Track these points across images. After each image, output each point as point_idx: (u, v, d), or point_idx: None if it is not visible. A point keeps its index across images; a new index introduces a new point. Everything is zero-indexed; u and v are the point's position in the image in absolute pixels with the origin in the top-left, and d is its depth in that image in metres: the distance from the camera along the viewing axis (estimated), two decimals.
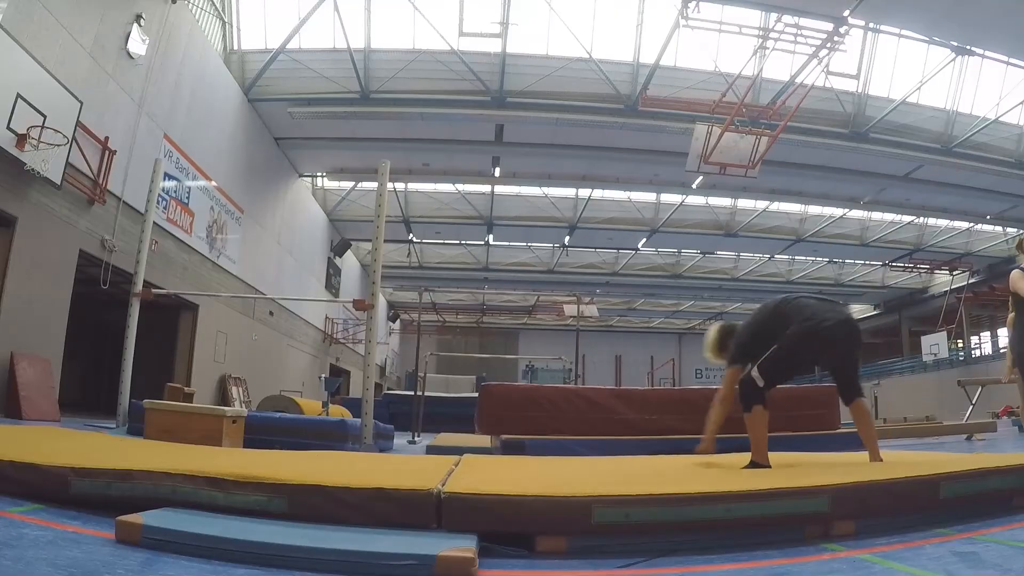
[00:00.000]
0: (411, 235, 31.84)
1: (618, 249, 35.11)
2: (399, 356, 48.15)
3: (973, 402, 17.04)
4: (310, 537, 2.61)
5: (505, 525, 2.81)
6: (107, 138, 13.15)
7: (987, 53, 19.76)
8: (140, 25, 13.89)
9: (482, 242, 33.68)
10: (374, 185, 12.38)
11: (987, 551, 2.64)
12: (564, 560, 2.70)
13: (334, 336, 30.91)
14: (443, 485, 3.01)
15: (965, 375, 27.96)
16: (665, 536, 2.88)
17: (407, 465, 4.39)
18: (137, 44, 13.90)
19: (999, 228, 31.79)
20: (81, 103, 11.71)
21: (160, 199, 15.13)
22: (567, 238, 32.47)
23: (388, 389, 35.42)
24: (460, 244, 34.88)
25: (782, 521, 3.00)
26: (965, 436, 13.89)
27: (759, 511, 2.94)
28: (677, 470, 4.31)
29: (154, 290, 11.44)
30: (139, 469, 3.26)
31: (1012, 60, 19.77)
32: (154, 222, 13.22)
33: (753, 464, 4.65)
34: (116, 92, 13.56)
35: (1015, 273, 6.98)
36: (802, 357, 4.97)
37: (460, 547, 2.43)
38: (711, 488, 3.02)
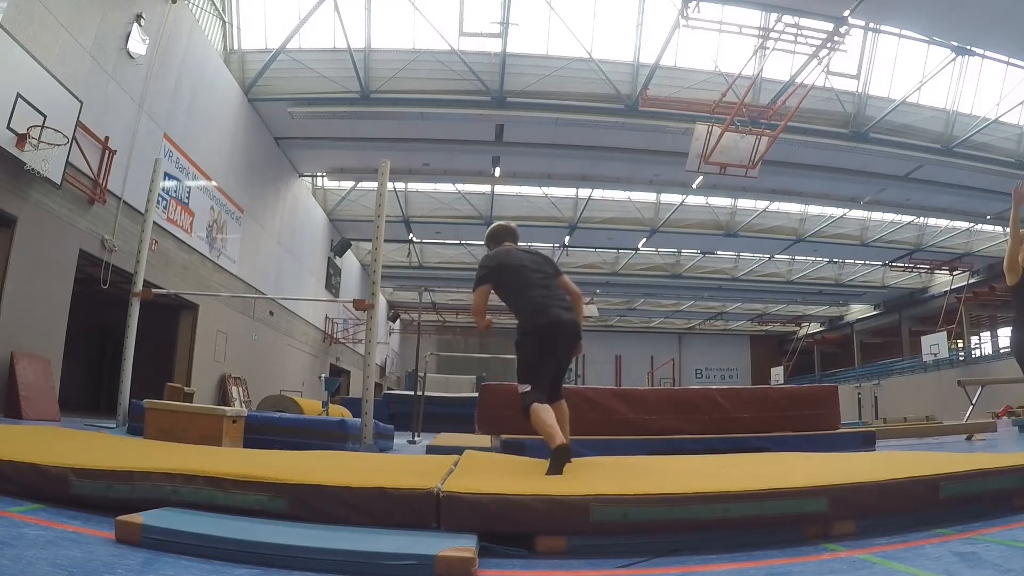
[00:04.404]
0: (411, 235, 31.82)
1: (618, 249, 35.08)
2: (399, 356, 48.13)
3: (973, 402, 17.08)
4: (310, 537, 2.62)
5: (504, 525, 2.81)
6: (107, 138, 13.13)
7: (987, 53, 19.74)
8: (140, 25, 13.88)
9: (482, 242, 33.53)
10: (374, 185, 12.35)
11: (987, 551, 2.64)
12: (564, 560, 2.70)
13: (334, 336, 30.88)
14: (442, 485, 3.01)
15: (965, 375, 27.99)
16: (665, 536, 2.88)
17: (407, 465, 4.39)
18: (137, 44, 13.88)
19: (999, 228, 31.74)
20: (81, 103, 11.70)
21: (160, 199, 15.11)
22: (567, 238, 32.41)
23: (388, 389, 35.42)
24: (460, 244, 34.80)
25: (782, 521, 3.00)
26: (965, 436, 13.92)
27: (758, 511, 2.93)
28: (676, 470, 4.30)
29: (154, 290, 11.44)
30: (140, 470, 3.26)
31: (1012, 60, 19.75)
32: (154, 222, 13.21)
33: (553, 456, 4.30)
34: (116, 92, 13.54)
35: None
36: (546, 359, 4.97)
37: (460, 547, 2.44)
38: (709, 488, 3.01)
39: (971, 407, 17.09)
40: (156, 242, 14.70)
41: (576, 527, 2.80)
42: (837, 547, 2.80)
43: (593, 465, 4.71)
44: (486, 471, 4.03)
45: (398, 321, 46.42)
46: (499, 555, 2.70)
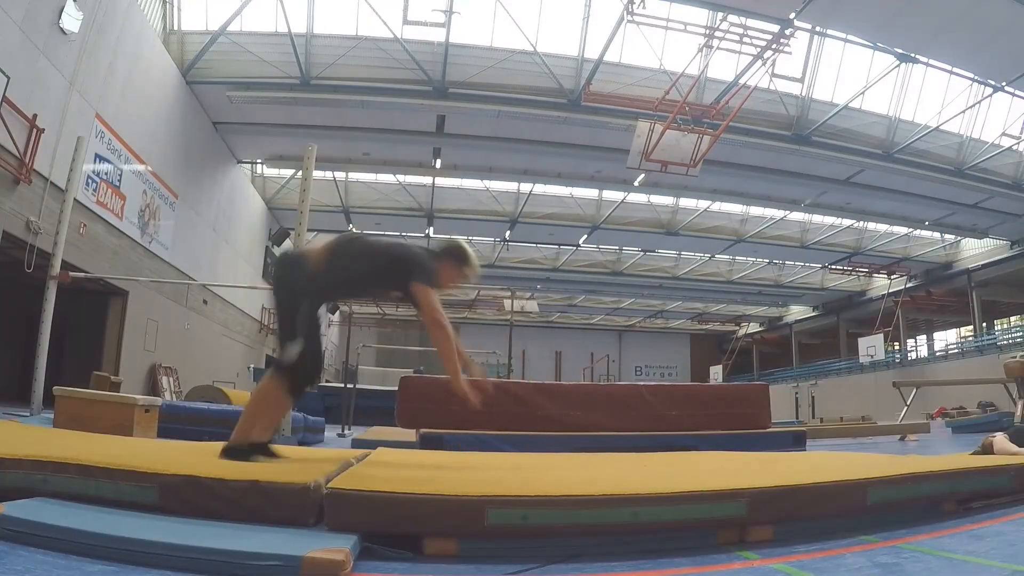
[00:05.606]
0: (351, 225, 31.32)
1: (559, 245, 35.07)
2: (339, 349, 47.64)
3: (908, 403, 17.37)
4: (175, 533, 2.43)
5: (390, 525, 2.59)
6: (35, 115, 12.63)
7: (931, 62, 19.99)
8: (74, 0, 13.37)
9: (422, 235, 33.27)
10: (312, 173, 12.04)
11: (911, 562, 2.46)
12: (452, 564, 2.50)
13: (270, 326, 30.28)
14: (328, 480, 2.81)
15: (901, 377, 28.63)
16: (568, 541, 2.66)
17: (308, 458, 4.11)
18: (71, 20, 13.36)
19: (936, 234, 32.41)
20: (8, 78, 11.26)
21: (90, 181, 14.71)
22: (508, 232, 32.32)
23: (326, 381, 34.96)
24: (401, 236, 34.38)
25: (695, 526, 2.79)
26: (899, 437, 14.08)
27: (670, 515, 2.73)
28: (591, 468, 4.09)
29: (74, 273, 11.00)
30: (11, 458, 3.06)
31: (955, 70, 20.02)
32: (83, 205, 12.71)
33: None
34: (47, 68, 13.01)
35: None
36: None
37: (332, 548, 2.24)
38: (617, 490, 2.79)
39: (905, 408, 17.36)
40: (84, 225, 14.28)
41: (470, 529, 2.58)
42: (752, 555, 2.60)
43: (504, 461, 4.49)
44: (389, 467, 3.80)
45: (337, 313, 45.94)
46: (382, 557, 2.48)
